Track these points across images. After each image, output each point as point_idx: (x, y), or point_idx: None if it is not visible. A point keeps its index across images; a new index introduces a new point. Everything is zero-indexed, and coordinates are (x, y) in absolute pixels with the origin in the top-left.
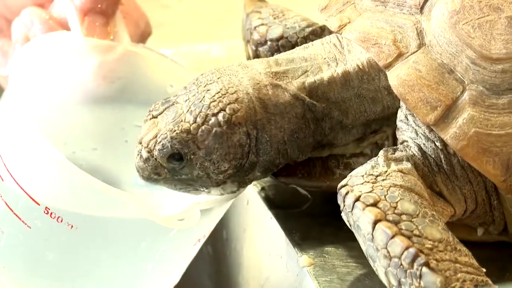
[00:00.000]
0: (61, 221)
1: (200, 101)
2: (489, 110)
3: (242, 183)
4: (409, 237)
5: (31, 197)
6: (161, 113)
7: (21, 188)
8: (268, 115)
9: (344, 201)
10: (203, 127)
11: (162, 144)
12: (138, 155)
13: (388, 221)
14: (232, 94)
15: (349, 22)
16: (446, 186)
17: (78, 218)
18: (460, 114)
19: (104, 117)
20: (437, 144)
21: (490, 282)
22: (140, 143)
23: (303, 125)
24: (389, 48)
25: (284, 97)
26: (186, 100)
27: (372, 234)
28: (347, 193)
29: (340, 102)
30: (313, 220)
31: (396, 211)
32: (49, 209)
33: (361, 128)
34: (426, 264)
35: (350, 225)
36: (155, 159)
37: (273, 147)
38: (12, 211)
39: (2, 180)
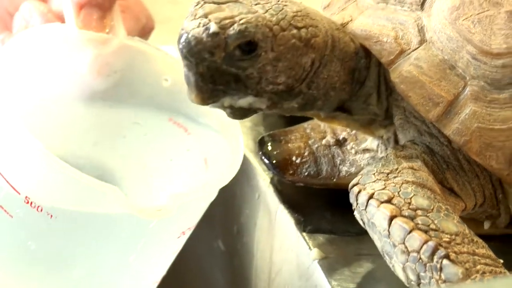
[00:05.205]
0: (41, 210)
1: (281, 10)
2: (491, 105)
3: (273, 106)
4: (426, 232)
5: (12, 186)
6: (225, 3)
7: (3, 176)
8: (332, 56)
9: (357, 200)
10: (284, 32)
11: (246, 27)
12: (202, 27)
13: (404, 216)
14: (312, 19)
15: (351, 20)
16: (456, 181)
17: (57, 208)
18: (462, 110)
19: (101, 112)
20: (441, 140)
21: (508, 273)
22: (206, 17)
23: (349, 80)
24: (390, 45)
25: (349, 46)
26: (256, 4)
27: (389, 230)
28: (359, 192)
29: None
30: (324, 213)
31: (411, 206)
32: (29, 198)
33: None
34: (447, 257)
35: (364, 223)
36: (225, 38)
37: (325, 87)
38: None
39: None
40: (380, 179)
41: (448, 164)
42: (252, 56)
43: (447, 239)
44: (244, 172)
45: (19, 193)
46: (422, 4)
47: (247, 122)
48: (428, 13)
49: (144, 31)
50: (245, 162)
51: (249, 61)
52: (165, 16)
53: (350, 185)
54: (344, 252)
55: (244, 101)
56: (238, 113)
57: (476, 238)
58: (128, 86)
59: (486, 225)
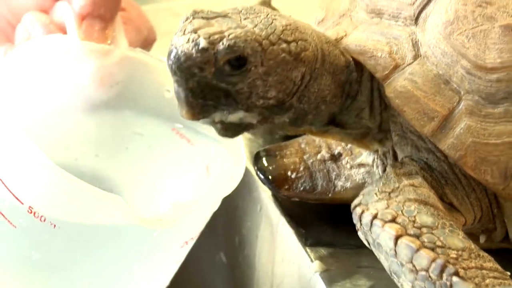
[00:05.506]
0: (44, 220)
1: (270, 24)
2: (486, 120)
3: (264, 121)
4: (432, 249)
5: (15, 196)
6: (214, 18)
7: (6, 186)
8: (322, 70)
9: (360, 220)
10: (274, 47)
11: (235, 42)
12: (191, 42)
13: (410, 235)
14: (302, 33)
15: (345, 35)
16: (456, 196)
17: (60, 218)
18: (457, 124)
19: (104, 123)
20: (438, 155)
21: None
22: (195, 32)
23: (339, 93)
24: (385, 60)
25: (339, 59)
26: (245, 19)
27: (395, 250)
28: (362, 212)
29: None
30: (325, 225)
31: (415, 224)
32: (32, 208)
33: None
34: (456, 273)
35: (369, 243)
36: (214, 53)
37: (315, 101)
38: None
39: None
40: (382, 199)
41: (446, 180)
42: (242, 71)
43: (455, 255)
44: (246, 184)
45: (22, 203)
46: (416, 19)
47: (247, 134)
48: (422, 27)
49: (146, 43)
50: (247, 174)
51: (239, 76)
52: (167, 28)
53: (352, 205)
54: (345, 265)
55: (235, 116)
56: (229, 129)
57: (481, 253)
58: (130, 97)
59: (482, 239)
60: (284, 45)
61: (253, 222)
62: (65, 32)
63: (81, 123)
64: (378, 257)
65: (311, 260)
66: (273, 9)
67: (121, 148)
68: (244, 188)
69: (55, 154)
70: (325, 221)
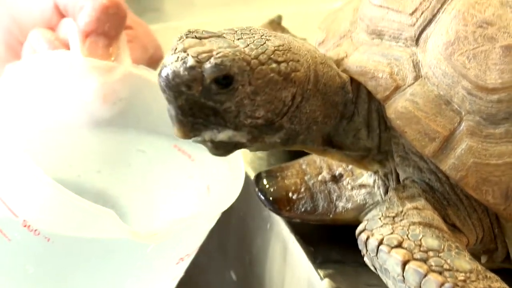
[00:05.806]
0: (38, 234)
1: (262, 44)
2: (487, 140)
3: (254, 140)
4: (440, 273)
5: (10, 209)
6: (207, 38)
7: (1, 199)
8: (315, 91)
9: (366, 247)
10: (263, 66)
11: (222, 60)
12: (180, 61)
13: (417, 260)
14: (294, 54)
15: (346, 56)
16: (458, 217)
17: (54, 231)
18: (458, 145)
19: (107, 139)
20: (439, 175)
21: None
22: (184, 51)
23: (333, 114)
24: (386, 81)
25: (334, 80)
26: (238, 39)
27: (403, 275)
28: (368, 238)
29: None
30: (335, 243)
31: (422, 248)
32: (26, 221)
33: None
34: None
35: (376, 269)
36: (201, 71)
37: (307, 122)
38: None
39: None
40: (387, 223)
41: (448, 201)
42: (229, 90)
43: (463, 278)
44: (256, 203)
45: (17, 217)
46: (417, 40)
47: (257, 153)
48: (423, 48)
49: (152, 61)
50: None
51: (226, 95)
52: None
53: (357, 231)
54: (355, 283)
55: (224, 135)
56: (220, 148)
57: (489, 273)
58: (133, 114)
59: (483, 259)
60: (273, 65)
61: (263, 240)
62: (69, 48)
63: (84, 139)
64: (385, 282)
65: (321, 278)
66: (283, 28)
67: (123, 164)
68: (253, 206)
69: (58, 171)
70: (334, 239)
